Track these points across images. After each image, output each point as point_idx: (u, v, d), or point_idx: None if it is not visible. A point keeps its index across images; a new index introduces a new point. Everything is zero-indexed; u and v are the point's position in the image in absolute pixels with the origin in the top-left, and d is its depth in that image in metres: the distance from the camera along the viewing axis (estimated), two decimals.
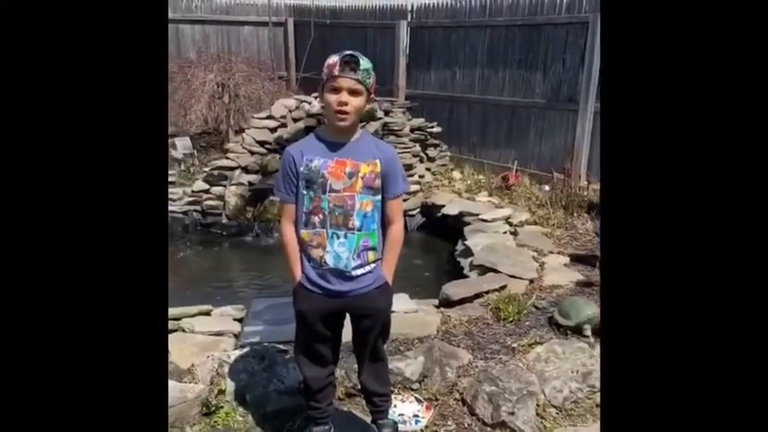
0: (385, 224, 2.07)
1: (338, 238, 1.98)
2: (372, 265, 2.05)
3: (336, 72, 1.86)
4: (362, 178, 1.96)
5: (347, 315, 2.17)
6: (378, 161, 1.98)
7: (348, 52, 1.89)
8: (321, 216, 1.97)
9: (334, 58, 1.88)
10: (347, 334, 2.22)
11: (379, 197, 2.01)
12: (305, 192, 1.98)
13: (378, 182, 1.98)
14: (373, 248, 2.04)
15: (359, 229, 1.98)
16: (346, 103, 1.88)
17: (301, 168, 1.97)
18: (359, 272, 2.02)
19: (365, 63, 1.90)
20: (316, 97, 6.43)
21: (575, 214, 5.37)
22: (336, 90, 1.88)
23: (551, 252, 4.55)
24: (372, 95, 1.97)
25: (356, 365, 2.31)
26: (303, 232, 2.02)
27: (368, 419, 2.41)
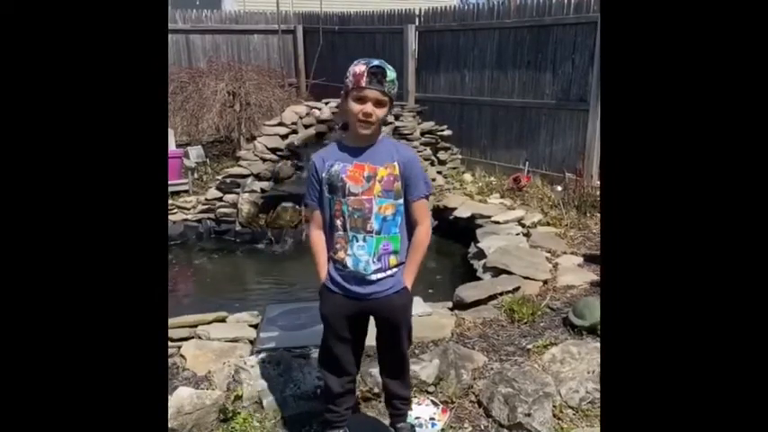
0: (411, 227, 2.08)
1: (357, 241, 2.01)
2: (393, 270, 2.06)
3: (363, 83, 1.88)
4: (380, 182, 1.98)
5: (371, 320, 2.19)
6: (396, 163, 1.99)
7: (375, 62, 1.90)
8: (341, 219, 2.01)
9: (360, 68, 1.89)
10: (368, 338, 2.24)
11: (401, 201, 2.02)
12: (328, 196, 2.03)
13: (397, 185, 2.00)
14: (395, 252, 2.05)
15: (378, 233, 2.00)
16: (371, 114, 1.91)
17: (323, 174, 2.02)
18: (378, 276, 2.04)
19: (391, 74, 1.92)
20: (326, 103, 6.47)
21: (588, 214, 5.34)
22: (362, 100, 1.90)
23: (565, 253, 4.53)
24: (394, 103, 2.00)
25: (372, 369, 2.32)
26: (329, 235, 2.08)
27: (384, 422, 2.42)
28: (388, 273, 2.05)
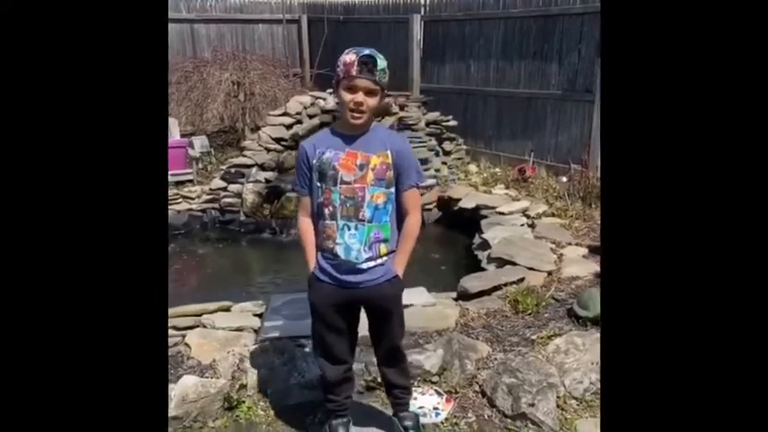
0: (401, 216, 2.07)
1: (349, 229, 2.00)
2: (383, 258, 2.06)
3: (354, 72, 1.88)
4: (373, 170, 1.97)
5: (362, 309, 2.19)
6: (389, 152, 1.99)
7: (366, 52, 1.90)
8: (331, 208, 2.00)
9: (351, 57, 1.89)
10: (364, 328, 2.23)
11: (392, 189, 2.02)
12: (318, 184, 2.02)
13: (389, 173, 1.99)
14: (385, 240, 2.05)
15: (369, 221, 2.00)
16: (362, 104, 1.91)
17: (314, 161, 2.01)
18: (369, 264, 2.03)
19: (381, 63, 1.91)
20: (331, 93, 6.44)
21: (593, 205, 5.32)
22: (353, 89, 1.91)
23: (569, 244, 4.52)
24: (386, 92, 1.99)
25: (375, 358, 2.32)
26: (317, 224, 2.07)
27: (388, 413, 2.42)
28: (379, 261, 2.05)
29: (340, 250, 2.01)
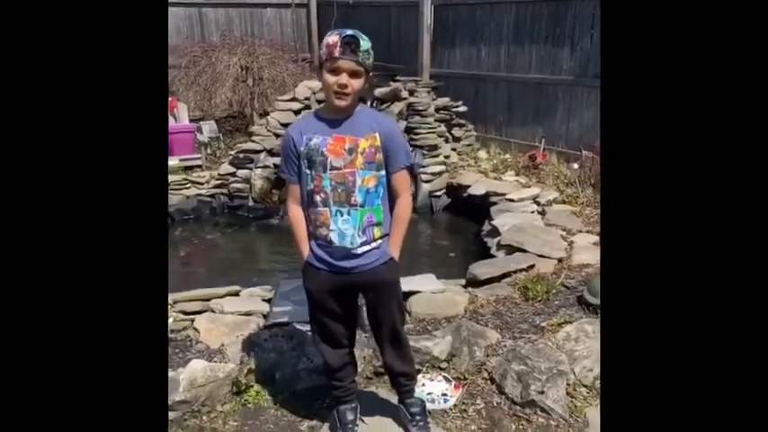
0: (392, 198, 2.06)
1: (342, 215, 1.98)
2: (378, 242, 2.05)
3: (337, 54, 1.85)
4: (362, 154, 1.95)
5: (360, 295, 2.18)
6: (377, 134, 1.96)
7: (348, 32, 1.87)
8: (323, 195, 1.98)
9: (333, 38, 1.86)
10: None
11: (383, 172, 2.00)
12: (307, 171, 1.99)
13: (379, 156, 1.97)
14: (378, 224, 2.03)
15: (362, 205, 1.98)
16: (346, 86, 1.88)
17: (302, 148, 1.98)
18: (364, 248, 2.02)
19: (365, 43, 1.88)
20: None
21: None
22: (336, 71, 1.87)
23: (580, 231, 4.47)
24: (371, 75, 1.96)
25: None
26: (308, 211, 2.05)
27: (395, 398, 2.42)
28: (374, 245, 2.04)
29: (334, 236, 2.00)
